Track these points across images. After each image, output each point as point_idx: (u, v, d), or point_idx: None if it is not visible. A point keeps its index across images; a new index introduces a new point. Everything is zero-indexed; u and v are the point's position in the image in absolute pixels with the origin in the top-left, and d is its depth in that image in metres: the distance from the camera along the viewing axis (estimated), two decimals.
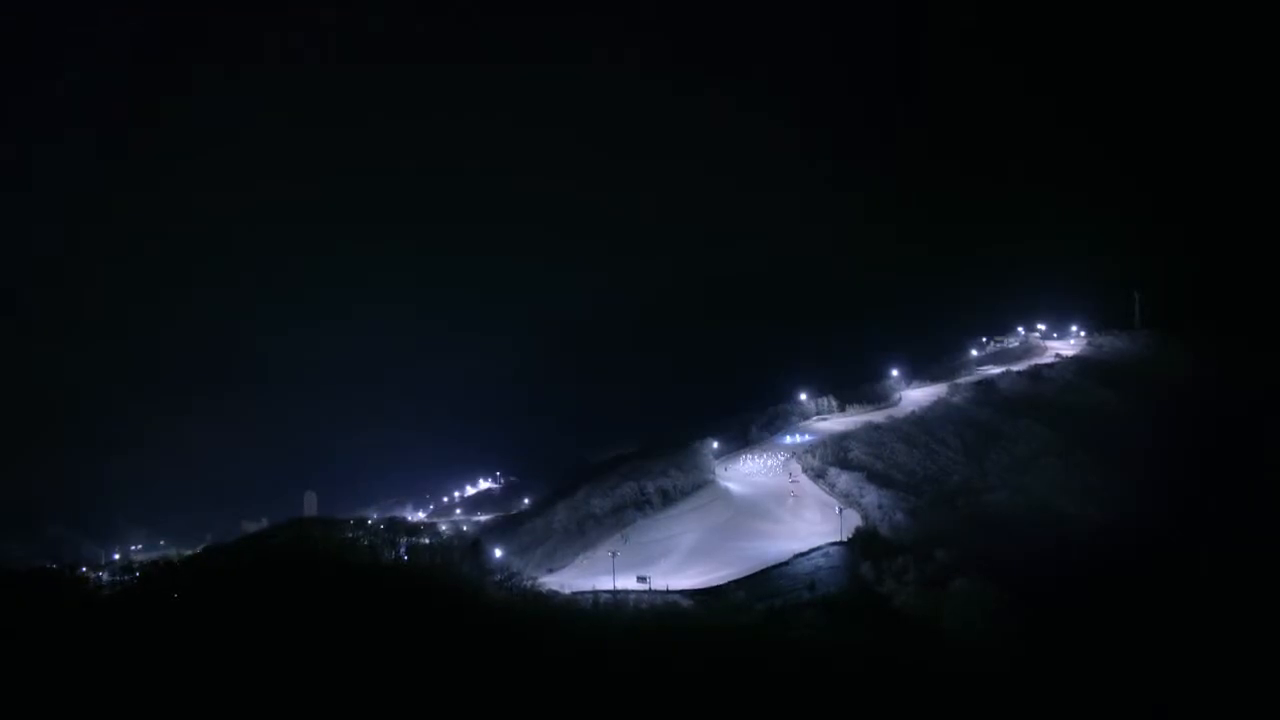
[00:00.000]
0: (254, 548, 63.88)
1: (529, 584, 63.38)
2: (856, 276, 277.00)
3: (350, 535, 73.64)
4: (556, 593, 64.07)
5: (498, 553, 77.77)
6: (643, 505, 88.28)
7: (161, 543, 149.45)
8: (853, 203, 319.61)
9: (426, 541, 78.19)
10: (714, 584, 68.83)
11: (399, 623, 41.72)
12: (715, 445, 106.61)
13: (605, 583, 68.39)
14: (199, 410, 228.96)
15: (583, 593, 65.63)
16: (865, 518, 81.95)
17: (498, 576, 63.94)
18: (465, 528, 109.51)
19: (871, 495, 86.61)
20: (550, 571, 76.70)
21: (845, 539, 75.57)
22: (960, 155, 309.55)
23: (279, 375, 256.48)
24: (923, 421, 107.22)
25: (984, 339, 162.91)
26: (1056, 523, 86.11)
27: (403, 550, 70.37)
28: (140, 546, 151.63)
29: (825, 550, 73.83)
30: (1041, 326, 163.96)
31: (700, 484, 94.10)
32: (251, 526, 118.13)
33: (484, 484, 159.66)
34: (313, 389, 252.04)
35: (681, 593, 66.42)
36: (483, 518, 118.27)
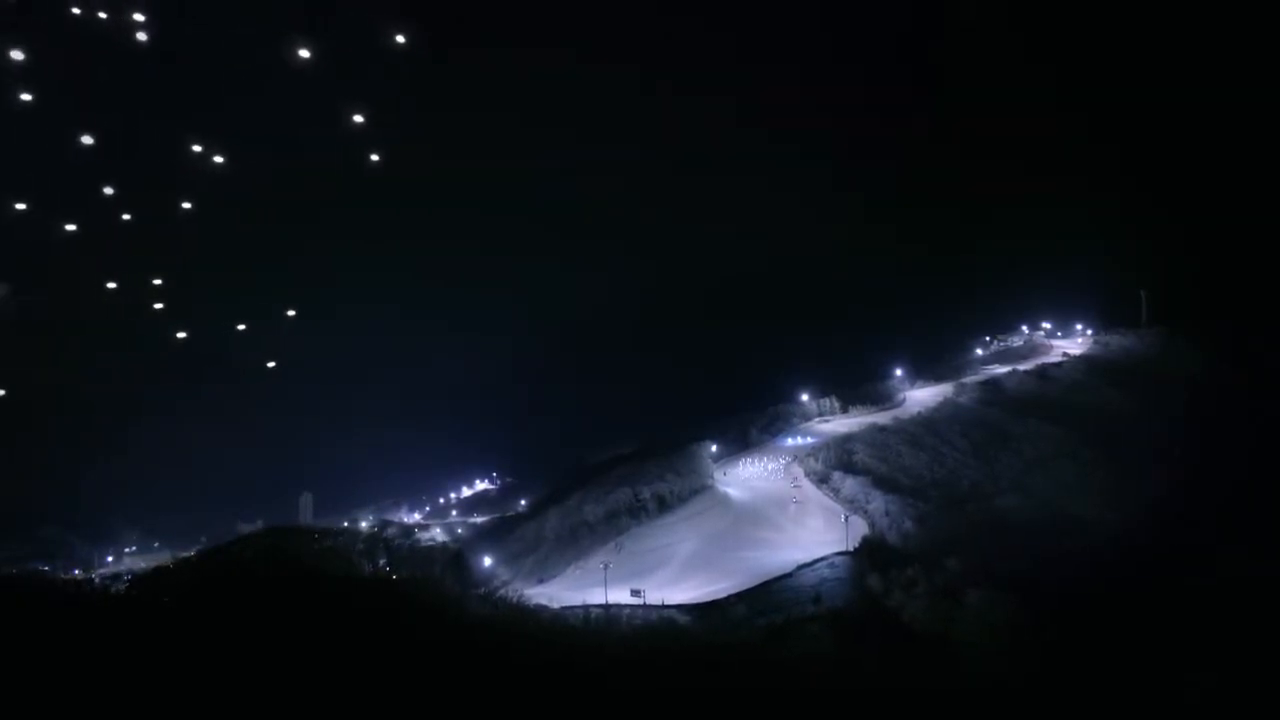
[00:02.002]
0: (221, 561, 60.68)
1: (515, 597, 60.13)
2: (856, 276, 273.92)
3: (330, 543, 70.55)
4: (545, 607, 60.84)
5: (487, 561, 74.72)
6: (638, 512, 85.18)
7: (156, 544, 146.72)
8: (853, 203, 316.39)
9: (409, 547, 75.06)
10: (712, 598, 65.50)
11: (367, 642, 38.46)
12: (714, 448, 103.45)
13: (597, 595, 65.26)
14: (198, 410, 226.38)
15: (572, 607, 62.47)
16: (872, 525, 78.70)
17: (482, 589, 60.72)
18: (459, 530, 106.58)
19: (878, 501, 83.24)
20: (540, 582, 73.72)
21: (852, 548, 72.30)
22: (960, 154, 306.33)
23: (278, 375, 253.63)
24: (929, 422, 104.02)
25: (987, 338, 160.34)
26: (1070, 527, 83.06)
27: (383, 560, 67.19)
28: (134, 548, 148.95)
29: (831, 560, 70.33)
30: (1046, 325, 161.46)
31: (698, 489, 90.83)
32: (247, 528, 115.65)
33: (481, 485, 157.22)
34: (312, 389, 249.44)
35: (678, 607, 63.22)
36: (478, 519, 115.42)
